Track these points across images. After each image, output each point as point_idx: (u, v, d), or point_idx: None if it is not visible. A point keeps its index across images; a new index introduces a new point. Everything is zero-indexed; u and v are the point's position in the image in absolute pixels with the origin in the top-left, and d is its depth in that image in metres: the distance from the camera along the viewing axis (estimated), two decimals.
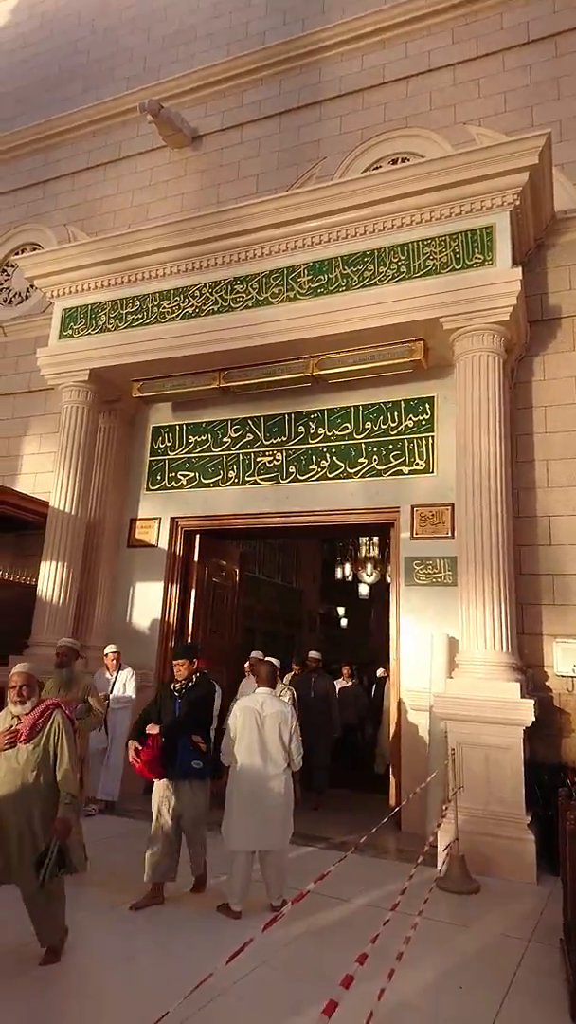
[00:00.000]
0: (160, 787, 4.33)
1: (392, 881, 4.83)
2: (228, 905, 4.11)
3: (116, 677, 6.66)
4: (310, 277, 6.91)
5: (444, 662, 6.10)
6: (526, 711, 5.30)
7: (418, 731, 6.31)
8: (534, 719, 5.29)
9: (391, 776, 6.68)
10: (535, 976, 3.45)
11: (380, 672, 9.86)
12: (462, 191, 6.32)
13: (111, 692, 6.48)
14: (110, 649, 6.82)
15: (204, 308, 7.31)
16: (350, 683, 9.66)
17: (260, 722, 4.24)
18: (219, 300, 7.27)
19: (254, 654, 6.87)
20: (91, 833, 5.66)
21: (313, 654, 8.00)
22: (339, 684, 9.18)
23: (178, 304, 7.46)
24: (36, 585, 7.60)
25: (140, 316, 7.64)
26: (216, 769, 4.44)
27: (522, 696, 5.37)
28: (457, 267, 6.35)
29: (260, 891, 4.23)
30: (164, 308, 7.53)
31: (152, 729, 4.26)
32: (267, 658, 5.68)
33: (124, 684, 6.61)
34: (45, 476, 8.78)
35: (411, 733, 6.38)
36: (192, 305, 7.38)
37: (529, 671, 6.10)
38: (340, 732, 8.06)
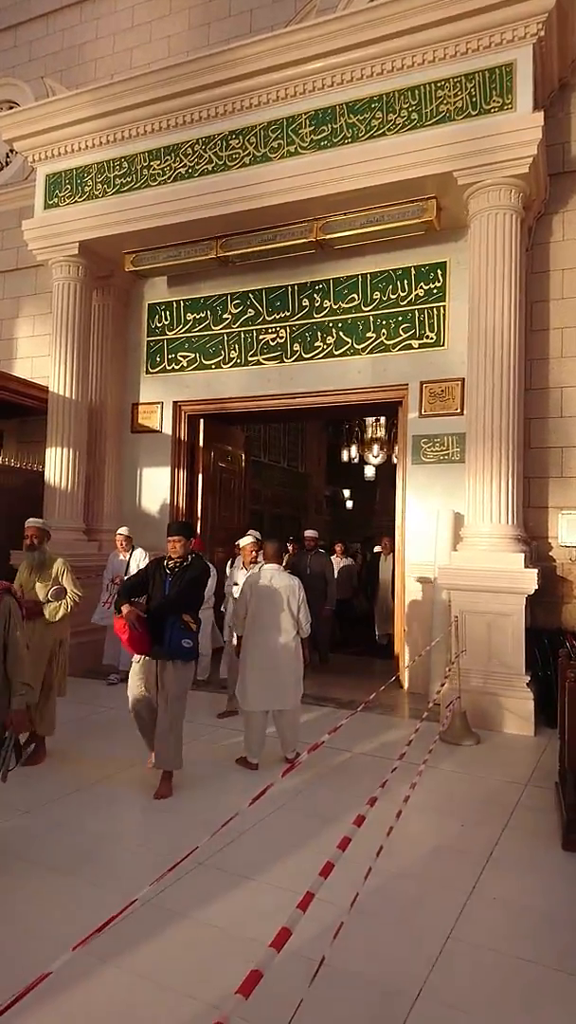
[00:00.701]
0: (143, 663, 4.15)
1: (398, 735, 5.16)
2: (246, 759, 4.43)
3: (129, 558, 6.81)
4: (312, 128, 6.33)
5: (449, 536, 6.18)
6: (529, 580, 5.42)
7: (422, 601, 6.51)
8: (536, 587, 5.43)
9: (395, 642, 6.96)
10: (531, 813, 3.74)
11: (376, 548, 10.08)
12: (481, 21, 5.63)
13: (125, 573, 6.64)
14: (122, 531, 6.92)
15: (197, 168, 6.76)
16: (343, 561, 9.90)
17: (270, 594, 4.42)
18: (213, 158, 6.71)
19: (248, 535, 6.42)
20: (109, 698, 6.03)
21: (309, 533, 8.05)
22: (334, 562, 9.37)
23: (170, 164, 6.91)
24: (41, 471, 7.60)
25: (129, 180, 7.09)
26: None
27: (526, 566, 5.48)
28: (473, 113, 5.78)
29: (274, 747, 4.52)
30: (155, 169, 6.98)
31: (126, 608, 3.98)
32: (250, 531, 5.89)
33: (137, 564, 6.75)
34: (42, 360, 8.55)
35: (416, 603, 6.58)
36: (185, 165, 6.83)
37: (533, 543, 6.18)
38: (334, 606, 8.20)
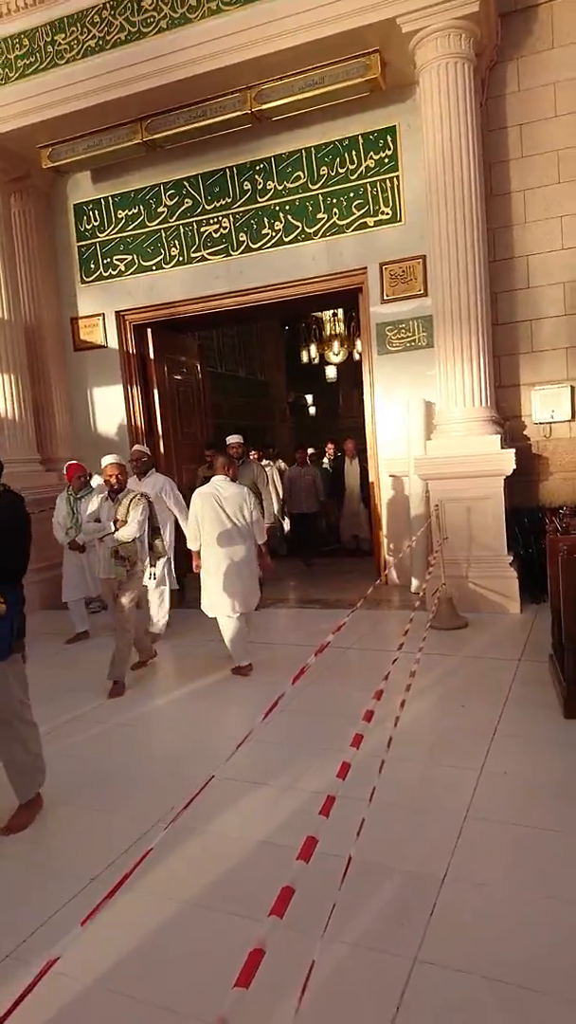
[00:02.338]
0: None
1: (391, 627, 5.17)
2: (240, 667, 4.46)
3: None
4: None
5: (421, 426, 6.00)
6: (507, 461, 5.32)
7: (398, 496, 6.39)
8: (514, 468, 5.33)
9: (374, 540, 6.90)
10: (528, 687, 3.77)
11: (334, 449, 9.72)
12: None
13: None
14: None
15: (109, 38, 5.96)
16: (306, 468, 8.83)
17: (221, 504, 4.44)
18: (125, 25, 5.91)
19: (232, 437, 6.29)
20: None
21: (231, 439, 6.32)
22: (294, 471, 8.83)
23: (76, 38, 6.07)
24: None
25: (33, 60, 6.25)
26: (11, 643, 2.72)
27: (502, 447, 5.36)
28: None
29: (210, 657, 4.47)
30: (60, 45, 6.14)
31: None
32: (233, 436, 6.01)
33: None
34: None
35: (392, 498, 6.47)
36: (94, 37, 6.02)
37: (507, 423, 6.04)
38: (272, 521, 6.72)
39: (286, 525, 9.32)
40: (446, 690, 3.85)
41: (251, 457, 7.91)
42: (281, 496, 8.89)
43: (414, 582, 6.09)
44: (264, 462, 8.67)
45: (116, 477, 4.52)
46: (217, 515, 4.42)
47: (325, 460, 9.75)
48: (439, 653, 4.41)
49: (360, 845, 1.81)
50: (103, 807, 2.84)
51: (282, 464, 9.75)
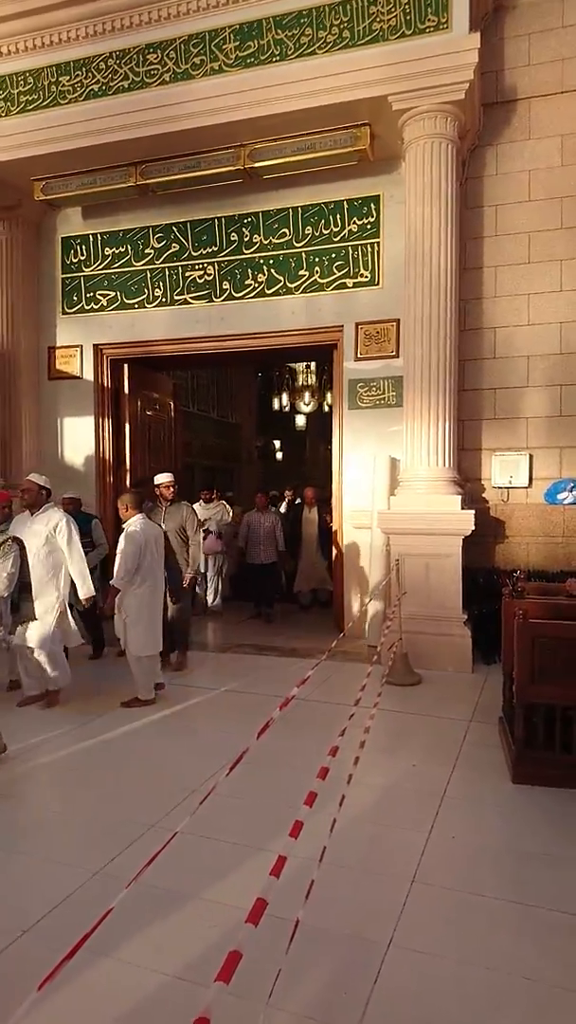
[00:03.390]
0: None
1: (346, 680, 5.16)
2: (138, 698, 4.66)
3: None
4: (237, 44, 5.85)
5: (386, 481, 6.12)
6: (467, 521, 5.46)
7: (360, 548, 6.46)
8: (473, 528, 5.47)
9: (336, 589, 6.92)
10: (478, 749, 3.79)
11: (293, 495, 9.73)
12: None
13: None
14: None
15: (112, 84, 6.16)
16: (267, 514, 7.85)
17: (154, 544, 4.75)
18: (129, 74, 6.13)
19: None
20: None
21: (160, 479, 5.75)
22: (253, 516, 7.83)
23: (80, 80, 6.26)
24: None
25: (35, 97, 6.41)
26: None
27: (462, 508, 5.51)
28: (408, 32, 5.48)
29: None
30: (64, 86, 6.32)
31: None
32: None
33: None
34: None
35: (354, 549, 6.53)
36: (97, 81, 6.21)
37: (468, 484, 6.21)
38: (196, 571, 5.80)
39: (204, 575, 8.07)
40: (399, 748, 3.85)
41: (258, 503, 7.87)
42: (240, 543, 7.89)
43: (371, 635, 6.12)
44: (208, 505, 8.42)
45: None
46: (151, 555, 4.68)
47: (283, 506, 9.58)
48: (393, 709, 4.41)
49: (307, 907, 1.78)
50: (41, 854, 2.72)
51: (224, 509, 8.78)
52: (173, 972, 2.00)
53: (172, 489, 5.66)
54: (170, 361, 7.86)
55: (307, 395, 13.16)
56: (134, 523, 4.66)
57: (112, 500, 7.22)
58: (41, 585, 4.48)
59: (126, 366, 7.58)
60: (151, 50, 6.07)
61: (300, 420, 14.67)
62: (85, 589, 4.67)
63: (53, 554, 4.57)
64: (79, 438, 7.47)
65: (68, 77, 6.31)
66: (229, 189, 6.53)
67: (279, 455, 16.61)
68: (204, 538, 6.83)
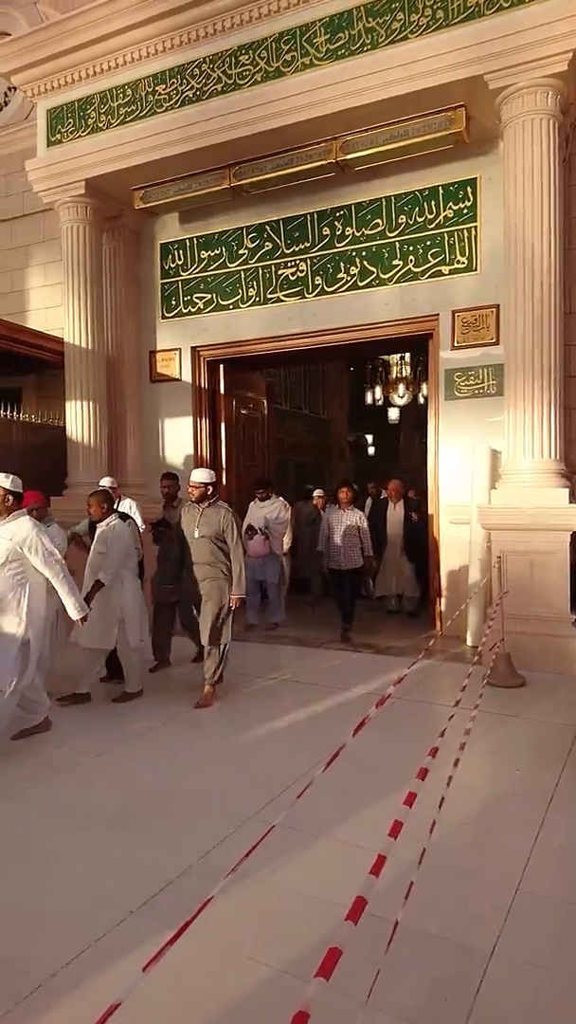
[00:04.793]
0: None
1: (446, 680, 5.04)
2: (129, 692, 4.75)
3: (118, 505, 6.30)
4: (328, 36, 5.82)
5: (486, 474, 5.92)
6: (574, 516, 5.17)
7: (457, 544, 6.28)
8: None
9: (432, 586, 6.76)
10: None
11: (372, 489, 9.17)
12: None
13: None
14: (104, 483, 6.16)
15: (206, 89, 6.30)
16: (350, 511, 6.56)
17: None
18: (222, 77, 6.24)
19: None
20: None
21: (194, 476, 4.80)
22: (336, 516, 6.57)
23: (175, 88, 6.44)
24: (63, 427, 7.42)
25: (134, 109, 6.65)
26: None
27: (570, 502, 5.23)
28: (505, 5, 5.24)
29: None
30: (160, 95, 6.52)
31: None
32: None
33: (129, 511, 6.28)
34: (56, 311, 8.26)
35: (450, 545, 6.36)
36: (191, 88, 6.37)
37: (575, 477, 5.89)
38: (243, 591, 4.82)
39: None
40: (501, 751, 3.71)
41: (342, 498, 6.59)
42: (319, 546, 6.75)
43: (471, 635, 5.94)
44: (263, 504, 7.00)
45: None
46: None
47: (368, 502, 8.72)
48: (495, 712, 4.26)
49: (407, 909, 1.75)
50: (144, 838, 2.83)
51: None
52: (273, 964, 2.01)
53: (204, 489, 4.69)
54: (263, 360, 7.96)
55: (401, 387, 12.93)
56: (113, 520, 4.73)
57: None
58: None
59: (221, 367, 7.76)
60: (243, 51, 6.15)
61: (393, 413, 14.43)
62: (74, 606, 3.91)
63: (20, 573, 3.80)
64: (178, 438, 7.71)
65: (164, 85, 6.51)
66: (320, 184, 6.52)
67: (371, 450, 16.44)
68: (250, 539, 6.65)
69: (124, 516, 5.10)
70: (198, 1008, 1.86)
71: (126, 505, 6.37)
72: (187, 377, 7.62)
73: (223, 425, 7.87)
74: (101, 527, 4.71)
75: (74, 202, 7.05)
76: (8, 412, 7.49)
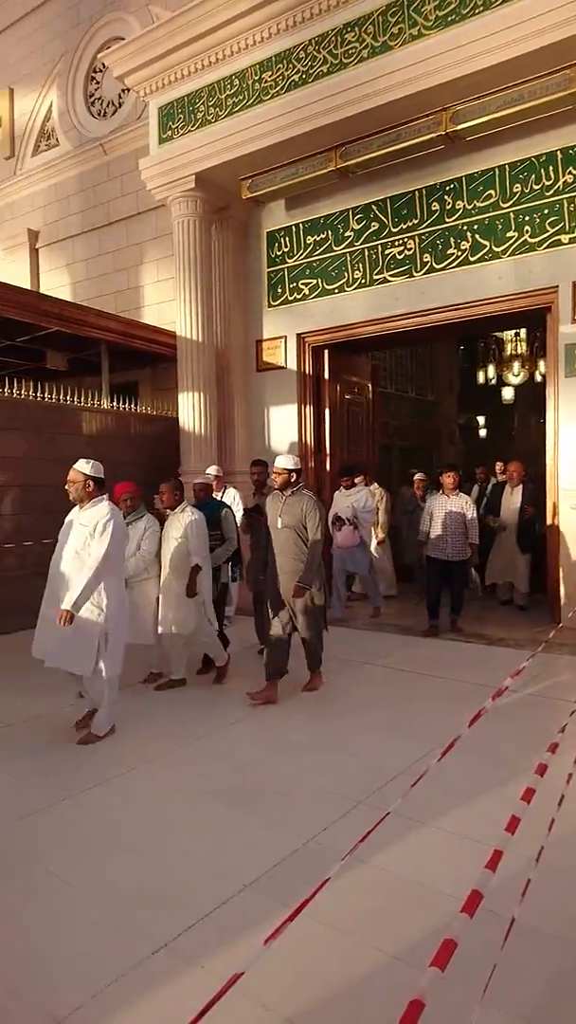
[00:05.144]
0: None
1: (566, 675, 4.81)
2: (173, 679, 4.79)
3: (222, 496, 6.25)
4: (436, 4, 5.59)
5: None
6: None
7: None
8: None
9: (551, 574, 6.45)
10: None
11: (481, 475, 8.51)
12: None
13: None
14: (211, 471, 6.40)
15: (312, 72, 6.25)
16: (456, 497, 6.13)
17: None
18: (328, 58, 6.16)
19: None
20: None
21: (278, 462, 4.53)
22: (439, 502, 6.14)
23: (282, 73, 6.44)
24: (176, 417, 7.70)
25: (241, 98, 6.72)
26: None
27: None
28: None
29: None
30: (266, 83, 6.54)
31: None
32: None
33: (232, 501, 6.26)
34: (168, 306, 8.58)
35: (572, 533, 6.03)
36: (298, 71, 6.34)
37: None
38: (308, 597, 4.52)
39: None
40: None
41: (447, 483, 6.18)
42: (421, 534, 6.26)
43: None
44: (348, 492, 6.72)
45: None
46: None
47: (475, 488, 8.29)
48: None
49: (523, 907, 1.70)
50: (252, 816, 2.92)
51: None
52: (384, 949, 2.02)
53: (288, 476, 4.42)
54: (369, 342, 7.86)
55: (516, 365, 12.36)
56: (186, 507, 4.70)
57: (315, 485, 7.45)
58: (65, 588, 3.69)
59: (326, 352, 7.74)
60: (349, 29, 6.04)
61: (508, 393, 13.83)
62: (70, 600, 3.56)
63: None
64: (284, 426, 7.79)
65: (270, 72, 6.52)
66: (429, 158, 6.31)
67: (483, 432, 15.86)
68: (338, 529, 6.48)
69: (222, 505, 5.19)
70: (310, 986, 1.90)
71: (230, 495, 6.41)
72: (292, 364, 7.67)
73: (327, 411, 7.87)
74: (175, 514, 4.69)
75: (185, 197, 7.25)
76: (126, 405, 7.89)
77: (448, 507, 6.05)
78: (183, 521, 4.61)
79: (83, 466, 3.78)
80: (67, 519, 3.86)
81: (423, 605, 6.32)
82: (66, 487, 3.80)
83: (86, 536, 3.69)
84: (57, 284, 10.28)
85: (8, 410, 6.62)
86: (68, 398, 7.20)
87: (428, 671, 5.00)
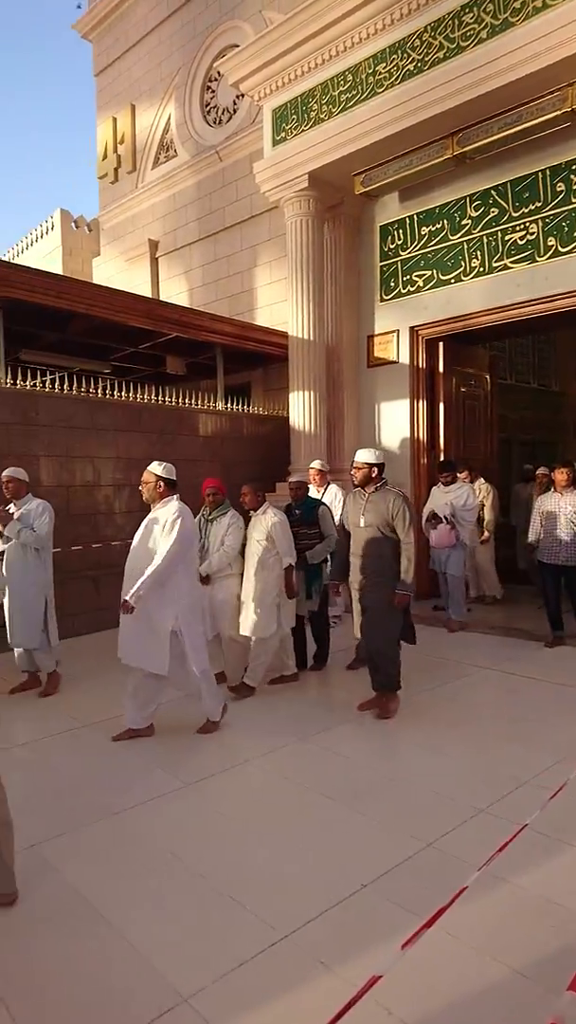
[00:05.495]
0: None
1: None
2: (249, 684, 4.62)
3: (323, 493, 6.23)
4: None
5: None
6: None
7: None
8: None
9: None
10: None
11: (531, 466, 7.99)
12: None
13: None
14: (315, 465, 6.41)
15: (428, 58, 6.09)
16: (571, 495, 5.61)
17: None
18: (444, 43, 5.98)
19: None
20: None
21: (359, 456, 4.25)
22: (551, 501, 5.69)
23: (396, 64, 6.33)
24: (287, 416, 7.80)
25: (354, 93, 6.68)
26: None
27: None
28: None
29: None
30: (380, 75, 6.46)
31: None
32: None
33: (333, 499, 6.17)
34: (280, 307, 8.69)
35: None
36: (413, 60, 6.20)
37: None
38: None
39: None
40: None
41: (445, 480, 6.35)
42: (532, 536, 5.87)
43: None
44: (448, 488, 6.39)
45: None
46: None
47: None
48: None
49: None
50: (371, 820, 2.89)
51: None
52: (512, 965, 1.93)
53: (368, 471, 4.15)
54: (487, 332, 7.57)
55: None
56: (268, 509, 4.61)
57: (426, 482, 7.28)
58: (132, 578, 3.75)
59: (441, 344, 7.54)
60: (466, 10, 5.84)
61: None
62: (132, 592, 3.65)
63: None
64: (395, 422, 7.68)
65: (384, 64, 6.43)
66: (552, 137, 5.98)
67: None
68: (433, 527, 6.17)
69: (319, 503, 5.10)
70: (434, 994, 1.85)
71: (331, 493, 6.27)
72: (404, 358, 7.53)
73: (441, 405, 7.66)
74: (257, 515, 4.62)
75: (298, 197, 7.30)
76: (239, 406, 8.09)
77: (561, 507, 5.59)
78: (266, 523, 4.54)
79: (155, 467, 3.86)
80: (144, 520, 3.88)
81: (544, 611, 5.98)
82: (139, 488, 3.89)
83: (156, 534, 3.76)
84: (175, 291, 10.71)
85: (132, 414, 6.98)
86: (186, 401, 7.49)
87: (548, 678, 4.75)
